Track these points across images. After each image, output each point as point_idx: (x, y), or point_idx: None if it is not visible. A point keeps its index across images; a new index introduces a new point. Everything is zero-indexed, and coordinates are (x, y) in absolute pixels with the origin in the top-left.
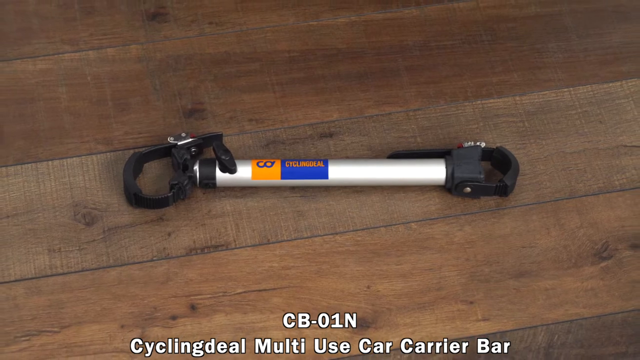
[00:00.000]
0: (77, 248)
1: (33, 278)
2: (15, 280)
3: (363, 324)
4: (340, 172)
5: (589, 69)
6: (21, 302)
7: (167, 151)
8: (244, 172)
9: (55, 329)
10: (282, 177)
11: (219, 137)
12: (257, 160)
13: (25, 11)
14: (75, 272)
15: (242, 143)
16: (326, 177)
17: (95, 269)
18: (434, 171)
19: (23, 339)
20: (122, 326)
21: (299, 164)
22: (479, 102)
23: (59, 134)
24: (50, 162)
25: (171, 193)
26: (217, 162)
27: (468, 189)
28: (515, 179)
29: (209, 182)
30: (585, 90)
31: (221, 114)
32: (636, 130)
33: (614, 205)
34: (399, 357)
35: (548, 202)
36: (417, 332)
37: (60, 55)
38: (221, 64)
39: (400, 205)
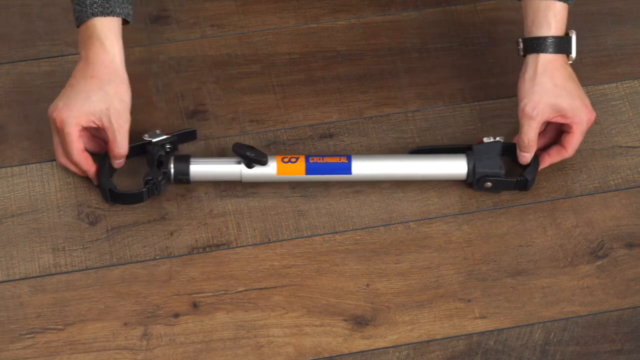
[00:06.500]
0: (81, 247)
1: (37, 276)
2: (20, 279)
3: (362, 322)
4: (363, 167)
5: (585, 71)
6: (26, 300)
7: (142, 148)
8: (269, 168)
9: (60, 327)
10: (307, 173)
11: (192, 134)
12: (281, 156)
13: (30, 14)
14: (79, 270)
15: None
16: (349, 172)
17: (99, 267)
18: (456, 166)
19: (27, 336)
20: (125, 324)
21: (323, 160)
22: (476, 103)
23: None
24: (54, 163)
25: (145, 189)
26: (245, 158)
27: (489, 184)
28: (535, 173)
29: (183, 178)
30: None
31: (223, 115)
32: (631, 131)
33: (610, 204)
34: (397, 354)
35: (544, 201)
36: (416, 330)
37: (65, 57)
38: (223, 65)
39: (399, 204)
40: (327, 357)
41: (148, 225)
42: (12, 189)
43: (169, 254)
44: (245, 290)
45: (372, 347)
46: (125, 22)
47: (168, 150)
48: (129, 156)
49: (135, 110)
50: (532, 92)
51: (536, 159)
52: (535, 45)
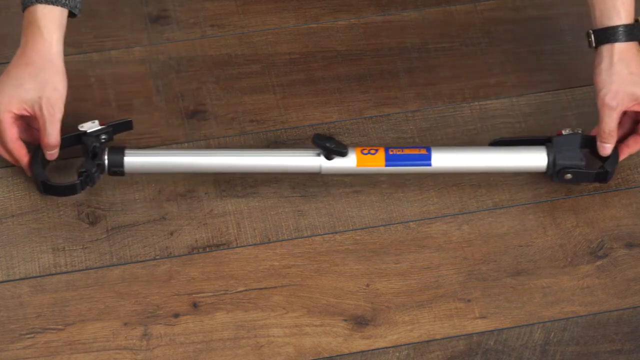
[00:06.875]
0: (81, 247)
1: (38, 276)
2: (20, 279)
3: (362, 322)
4: (443, 159)
5: (585, 71)
6: (26, 300)
7: (77, 139)
8: (348, 160)
9: (60, 327)
10: (387, 165)
11: (128, 124)
12: (360, 148)
13: None
14: (79, 270)
15: (243, 144)
16: (429, 164)
17: (99, 267)
18: (536, 158)
19: (28, 336)
20: (125, 324)
21: (402, 151)
22: (476, 103)
23: (63, 134)
24: (54, 162)
25: (79, 180)
26: (325, 149)
27: (569, 176)
28: (616, 165)
29: (117, 170)
30: (581, 92)
31: (223, 115)
32: None
33: (610, 204)
34: (397, 354)
35: (544, 201)
36: (416, 330)
37: (64, 57)
38: (223, 65)
39: (398, 204)
40: (327, 357)
41: (148, 225)
42: (12, 189)
43: (169, 254)
44: (245, 290)
45: (372, 347)
46: (72, 15)
47: (103, 141)
48: (63, 147)
49: (135, 110)
50: (610, 82)
51: (615, 150)
52: (609, 35)
